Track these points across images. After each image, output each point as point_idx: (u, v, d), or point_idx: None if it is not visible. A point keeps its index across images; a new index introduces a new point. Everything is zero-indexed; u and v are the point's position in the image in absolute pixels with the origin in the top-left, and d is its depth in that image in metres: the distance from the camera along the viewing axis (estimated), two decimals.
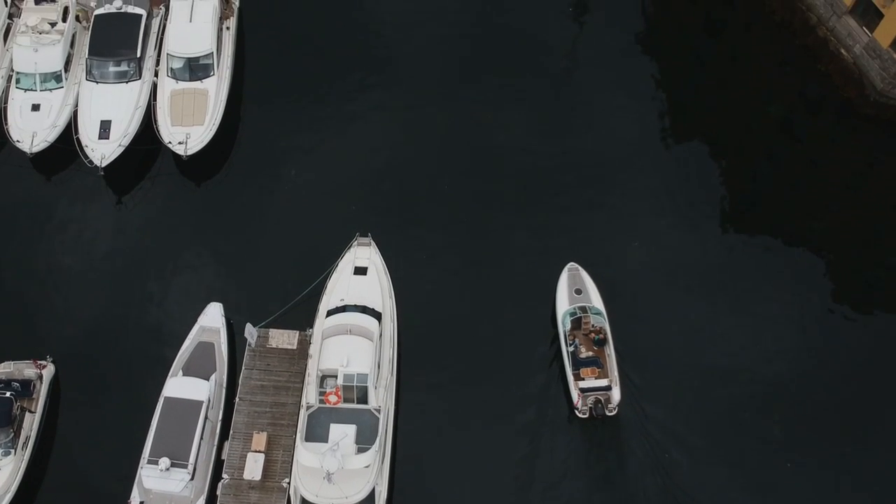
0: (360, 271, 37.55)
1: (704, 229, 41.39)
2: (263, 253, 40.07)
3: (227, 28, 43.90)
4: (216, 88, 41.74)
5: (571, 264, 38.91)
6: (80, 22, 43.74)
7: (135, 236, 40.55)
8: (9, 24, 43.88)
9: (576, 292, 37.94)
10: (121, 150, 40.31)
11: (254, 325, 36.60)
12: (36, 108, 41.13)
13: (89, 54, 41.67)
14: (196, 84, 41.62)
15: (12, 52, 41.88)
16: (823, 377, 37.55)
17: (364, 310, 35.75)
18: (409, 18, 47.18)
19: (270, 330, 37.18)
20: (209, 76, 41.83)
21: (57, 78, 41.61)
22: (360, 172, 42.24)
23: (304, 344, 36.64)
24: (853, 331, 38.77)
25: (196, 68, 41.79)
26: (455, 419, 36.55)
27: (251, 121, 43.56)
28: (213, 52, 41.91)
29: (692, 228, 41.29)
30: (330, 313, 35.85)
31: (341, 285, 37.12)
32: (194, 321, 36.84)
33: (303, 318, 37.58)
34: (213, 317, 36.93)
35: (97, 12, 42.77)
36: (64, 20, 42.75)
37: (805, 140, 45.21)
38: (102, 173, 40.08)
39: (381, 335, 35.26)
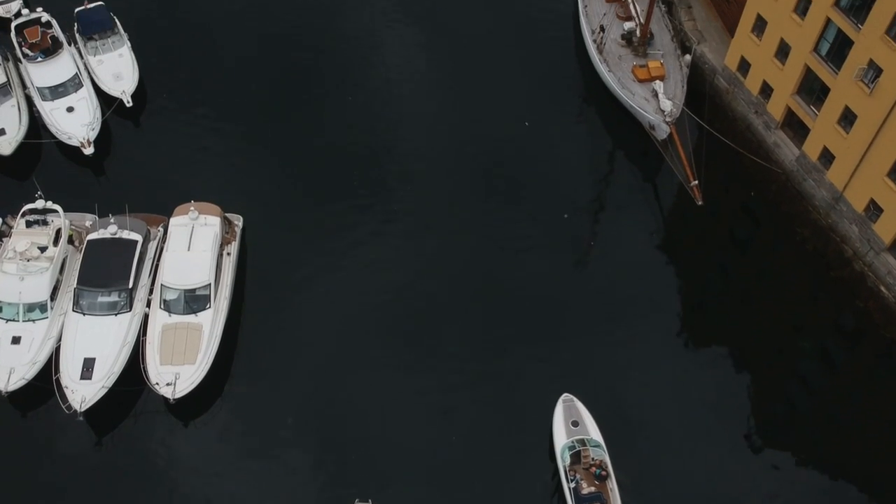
0: None
1: (710, 378, 40.70)
2: None
3: (228, 254, 41.47)
4: (211, 323, 38.86)
5: (566, 395, 38.28)
6: (73, 244, 41.47)
7: (111, 485, 36.69)
8: None
9: (572, 424, 37.16)
10: (103, 391, 37.04)
11: None
12: (16, 340, 38.21)
13: (78, 283, 39.10)
14: (190, 318, 38.74)
15: None
16: None
17: None
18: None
19: None
20: (205, 309, 39.01)
21: (42, 308, 38.87)
22: (361, 420, 38.87)
23: None
24: None
25: (191, 300, 39.04)
26: None
27: (247, 354, 40.39)
28: (210, 284, 39.33)
29: (699, 371, 40.70)
30: None
31: None
32: None
33: None
34: None
35: (90, 237, 40.52)
36: (56, 243, 40.44)
37: (841, 370, 42.72)
38: (81, 418, 36.67)
39: None
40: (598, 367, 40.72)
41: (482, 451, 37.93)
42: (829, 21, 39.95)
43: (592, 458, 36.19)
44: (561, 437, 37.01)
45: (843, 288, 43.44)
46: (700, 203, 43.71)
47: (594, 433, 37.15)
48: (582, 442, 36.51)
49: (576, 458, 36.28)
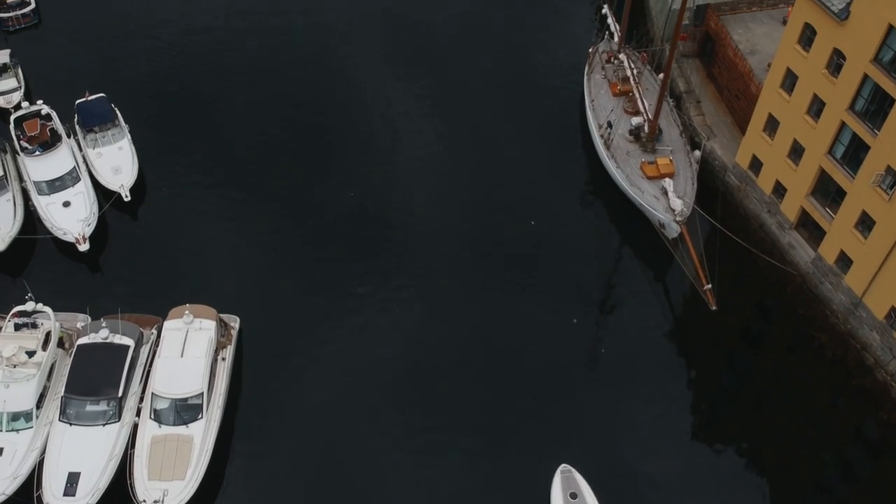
0: None
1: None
2: None
3: (223, 359, 39.86)
4: (203, 434, 36.99)
5: (564, 466, 37.47)
6: (63, 346, 39.93)
7: None
8: None
9: (571, 496, 36.34)
10: None
11: None
12: None
13: (66, 391, 37.41)
14: (181, 429, 36.90)
15: None
16: None
17: None
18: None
19: None
20: (197, 419, 37.20)
21: (27, 417, 37.10)
22: None
23: None
24: None
25: (183, 410, 37.25)
26: None
27: (240, 468, 38.34)
28: (203, 392, 37.60)
29: (703, 454, 39.67)
30: None
31: None
32: None
33: None
34: None
35: (80, 342, 38.92)
36: (45, 347, 38.86)
37: (865, 479, 40.49)
38: None
39: None
40: (597, 438, 39.55)
41: None
42: (843, 125, 39.01)
43: None
44: None
45: (865, 397, 41.56)
46: (714, 308, 42.20)
47: None
48: None
49: None
